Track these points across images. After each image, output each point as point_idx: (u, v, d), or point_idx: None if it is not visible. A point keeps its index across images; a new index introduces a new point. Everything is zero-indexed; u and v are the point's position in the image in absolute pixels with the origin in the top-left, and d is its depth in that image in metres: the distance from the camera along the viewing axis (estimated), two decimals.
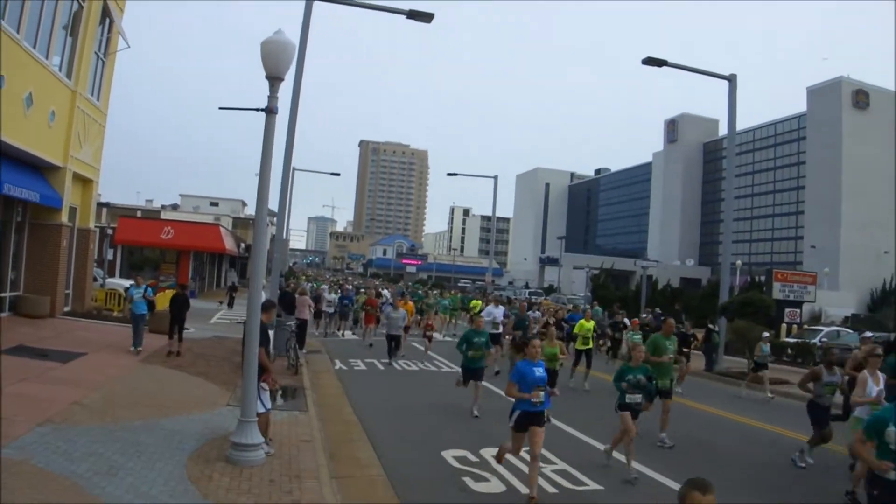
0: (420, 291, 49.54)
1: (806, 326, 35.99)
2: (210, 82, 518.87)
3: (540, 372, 8.92)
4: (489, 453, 10.57)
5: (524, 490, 8.95)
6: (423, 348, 24.66)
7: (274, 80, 9.27)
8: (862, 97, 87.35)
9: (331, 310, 29.13)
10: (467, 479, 9.35)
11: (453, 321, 35.46)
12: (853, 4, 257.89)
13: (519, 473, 9.68)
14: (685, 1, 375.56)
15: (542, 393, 8.82)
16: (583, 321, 20.25)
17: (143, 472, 7.97)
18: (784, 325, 32.65)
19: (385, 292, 38.17)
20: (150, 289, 18.86)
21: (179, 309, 17.76)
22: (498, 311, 22.61)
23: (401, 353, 22.42)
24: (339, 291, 32.67)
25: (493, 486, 9.08)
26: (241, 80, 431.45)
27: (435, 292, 49.18)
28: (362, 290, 37.52)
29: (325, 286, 35.33)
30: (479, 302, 34.23)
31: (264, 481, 8.19)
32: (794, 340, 30.44)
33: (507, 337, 21.76)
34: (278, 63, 9.18)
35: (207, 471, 8.33)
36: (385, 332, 22.49)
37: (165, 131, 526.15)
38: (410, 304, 27.30)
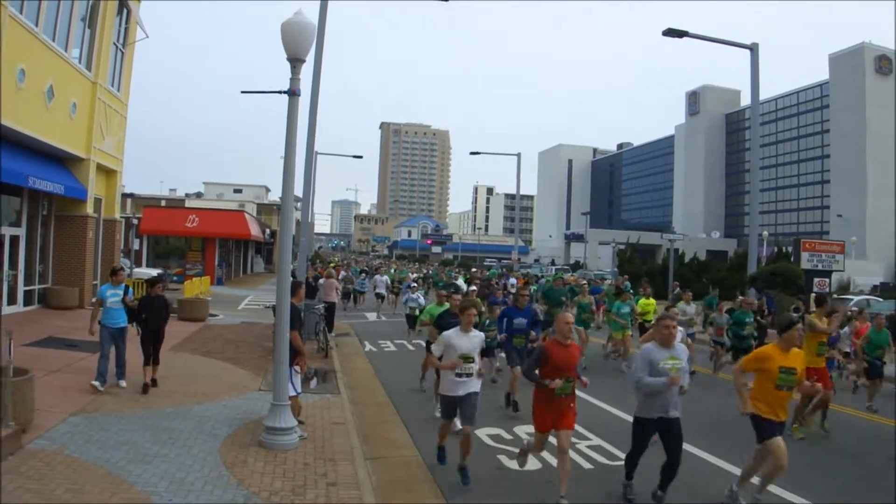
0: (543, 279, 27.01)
1: (835, 295, 35.61)
2: (230, 68, 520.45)
3: None
4: (523, 431, 10.51)
5: None
6: None
7: (295, 61, 9.16)
8: (885, 63, 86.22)
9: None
10: (502, 458, 9.29)
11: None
12: None
13: (554, 451, 9.59)
14: None
15: None
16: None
17: (177, 458, 7.96)
18: (813, 295, 32.29)
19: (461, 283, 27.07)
20: (130, 289, 12.31)
21: (153, 316, 11.91)
22: None
23: None
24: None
25: (529, 464, 8.99)
26: (260, 65, 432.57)
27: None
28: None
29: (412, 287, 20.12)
30: (653, 301, 19.79)
31: (299, 464, 8.16)
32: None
33: None
34: (299, 44, 9.07)
35: (242, 456, 8.31)
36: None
37: (187, 120, 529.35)
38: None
